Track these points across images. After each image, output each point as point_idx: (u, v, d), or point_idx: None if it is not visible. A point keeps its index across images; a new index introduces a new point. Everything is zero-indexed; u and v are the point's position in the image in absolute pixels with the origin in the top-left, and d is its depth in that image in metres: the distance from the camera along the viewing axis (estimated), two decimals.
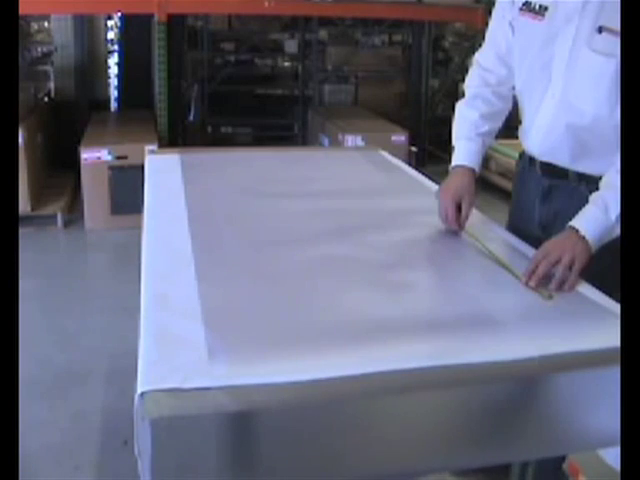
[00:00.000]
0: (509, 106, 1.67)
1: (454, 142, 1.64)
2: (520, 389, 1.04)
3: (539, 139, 1.53)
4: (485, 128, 1.62)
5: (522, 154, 1.67)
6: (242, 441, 0.91)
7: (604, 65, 1.36)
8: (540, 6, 1.44)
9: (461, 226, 1.54)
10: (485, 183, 5.44)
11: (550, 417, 1.05)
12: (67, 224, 4.30)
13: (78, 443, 2.18)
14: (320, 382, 0.95)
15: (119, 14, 5.80)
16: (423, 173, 2.20)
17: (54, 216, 4.24)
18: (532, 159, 1.60)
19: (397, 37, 6.69)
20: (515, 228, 1.66)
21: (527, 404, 1.04)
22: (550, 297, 1.25)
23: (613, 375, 1.00)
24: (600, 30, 1.35)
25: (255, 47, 6.32)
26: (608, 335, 1.08)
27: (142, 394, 0.90)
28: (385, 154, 2.38)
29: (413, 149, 5.25)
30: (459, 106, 1.66)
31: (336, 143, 4.96)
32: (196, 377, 0.94)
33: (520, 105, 1.62)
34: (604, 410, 1.05)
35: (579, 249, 1.30)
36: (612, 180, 1.35)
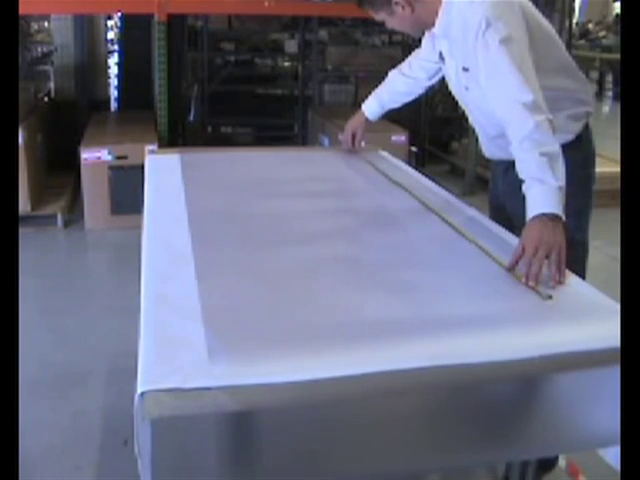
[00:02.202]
0: (413, 93, 2.15)
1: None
2: (520, 389, 1.04)
3: (484, 149, 1.93)
4: (385, 97, 2.18)
5: None
6: (242, 441, 0.91)
7: (473, 95, 1.70)
8: (440, 53, 1.82)
9: (355, 148, 2.27)
10: (485, 183, 5.44)
11: (550, 417, 1.05)
12: (67, 224, 4.30)
13: (78, 443, 2.18)
14: (320, 382, 0.95)
15: (119, 14, 5.80)
16: (423, 173, 2.20)
17: (54, 216, 4.24)
18: None
19: (397, 37, 6.68)
20: (490, 199, 2.08)
21: (527, 404, 1.04)
22: (549, 298, 1.25)
23: (613, 375, 1.00)
24: (464, 69, 1.67)
25: (255, 47, 6.32)
26: (608, 335, 1.08)
27: (142, 394, 0.90)
28: (385, 154, 2.38)
29: (413, 149, 5.24)
30: (393, 72, 2.16)
31: (336, 143, 4.95)
32: (196, 377, 0.94)
33: None
34: (604, 410, 1.05)
35: (559, 233, 1.38)
36: (522, 158, 1.48)
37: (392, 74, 2.16)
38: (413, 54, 2.13)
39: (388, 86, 2.16)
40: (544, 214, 1.39)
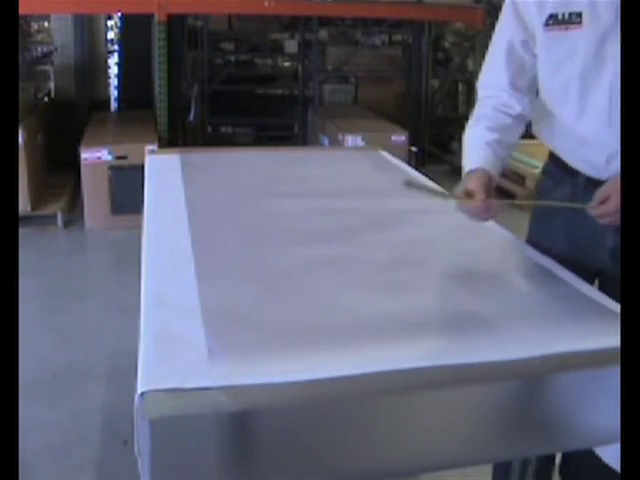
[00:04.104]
0: (521, 126, 1.55)
1: (463, 163, 1.50)
2: (520, 389, 1.04)
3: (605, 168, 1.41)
4: (493, 137, 1.48)
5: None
6: (241, 441, 0.90)
7: None
8: (571, 15, 1.36)
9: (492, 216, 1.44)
10: None
11: (550, 416, 1.05)
12: (67, 224, 4.30)
13: (78, 443, 2.18)
14: (320, 382, 0.95)
15: (119, 14, 5.81)
16: (423, 173, 2.20)
17: (54, 216, 4.24)
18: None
19: (397, 37, 6.69)
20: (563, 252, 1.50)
21: (527, 404, 1.04)
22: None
23: (613, 375, 1.00)
24: None
25: (255, 47, 6.32)
26: (608, 335, 1.08)
27: (142, 394, 0.90)
28: (385, 154, 2.38)
29: (413, 149, 5.25)
30: (463, 137, 1.56)
31: (336, 143, 4.96)
32: (196, 377, 0.94)
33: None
34: (604, 409, 1.05)
35: None
36: None
37: (475, 116, 1.56)
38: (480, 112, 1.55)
39: (481, 125, 1.52)
40: None
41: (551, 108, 1.50)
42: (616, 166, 1.37)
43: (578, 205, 1.39)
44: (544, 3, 1.40)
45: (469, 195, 1.38)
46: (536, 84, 1.52)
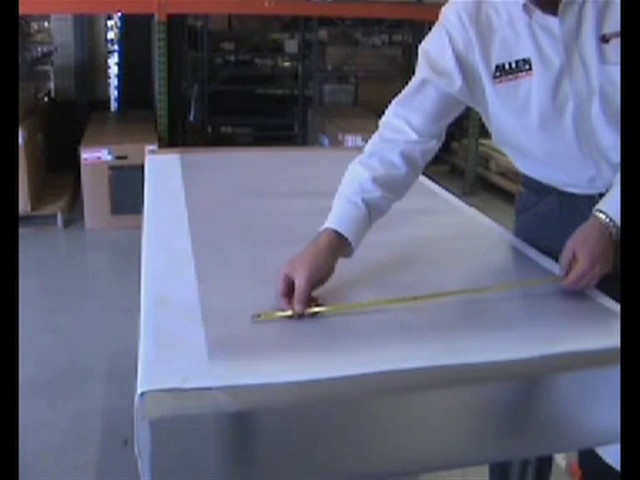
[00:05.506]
0: (413, 180, 1.42)
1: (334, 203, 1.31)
2: (520, 389, 1.04)
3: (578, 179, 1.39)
4: (375, 194, 1.29)
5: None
6: (242, 441, 0.91)
7: (609, 90, 1.26)
8: (518, 62, 1.29)
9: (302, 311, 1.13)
10: (485, 183, 5.44)
11: (550, 417, 1.05)
12: (67, 224, 4.30)
13: (78, 443, 2.18)
14: (320, 382, 0.95)
15: (119, 14, 5.81)
16: (423, 173, 2.20)
17: (54, 216, 4.25)
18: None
19: (397, 37, 6.69)
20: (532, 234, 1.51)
21: (527, 404, 1.04)
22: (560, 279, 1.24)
23: (613, 375, 1.00)
24: (604, 39, 1.26)
25: (255, 47, 6.33)
26: (608, 335, 1.08)
27: (142, 394, 0.90)
28: None
29: None
30: (350, 165, 1.36)
31: (336, 143, 4.96)
32: (196, 377, 0.94)
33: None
34: (604, 410, 1.05)
35: (615, 258, 1.20)
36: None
37: (372, 150, 1.38)
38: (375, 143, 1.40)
39: (372, 168, 1.33)
40: (611, 219, 1.21)
41: (517, 148, 1.45)
42: (602, 183, 1.33)
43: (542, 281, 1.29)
44: (489, 55, 1.32)
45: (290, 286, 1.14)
46: (445, 129, 1.44)
